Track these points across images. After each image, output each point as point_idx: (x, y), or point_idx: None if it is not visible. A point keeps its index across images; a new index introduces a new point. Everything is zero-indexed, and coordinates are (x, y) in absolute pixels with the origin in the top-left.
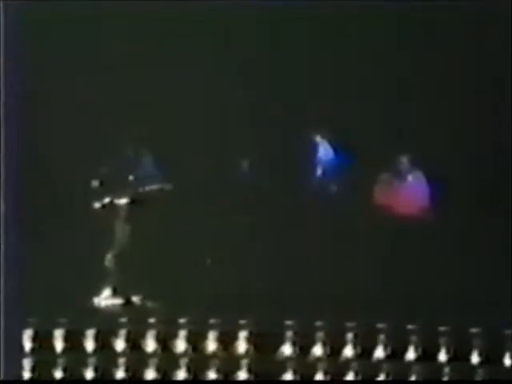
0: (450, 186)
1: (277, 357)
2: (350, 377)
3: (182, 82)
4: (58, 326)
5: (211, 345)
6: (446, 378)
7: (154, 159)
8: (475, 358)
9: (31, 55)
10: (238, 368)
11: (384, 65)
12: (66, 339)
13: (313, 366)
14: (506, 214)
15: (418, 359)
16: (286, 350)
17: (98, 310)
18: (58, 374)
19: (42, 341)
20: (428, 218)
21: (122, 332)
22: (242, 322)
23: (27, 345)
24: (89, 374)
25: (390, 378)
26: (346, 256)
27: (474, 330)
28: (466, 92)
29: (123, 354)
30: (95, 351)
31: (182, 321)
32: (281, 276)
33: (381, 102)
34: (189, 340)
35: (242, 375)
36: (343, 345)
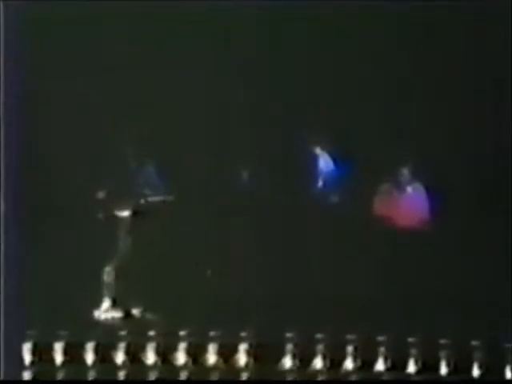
0: (450, 196)
1: (277, 369)
2: None
3: (182, 89)
4: (57, 338)
5: (211, 357)
6: None
7: (155, 170)
8: (476, 371)
9: (31, 55)
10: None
11: (384, 75)
12: (66, 352)
13: (313, 379)
14: (507, 227)
15: (418, 372)
16: (287, 362)
17: (97, 323)
18: None
19: (42, 353)
20: (428, 229)
21: (122, 345)
22: (243, 334)
23: (27, 357)
24: None
25: None
26: (346, 267)
27: (474, 343)
28: (467, 97)
29: (123, 366)
30: (95, 364)
31: (182, 333)
32: (281, 288)
33: (381, 111)
34: (189, 352)
35: None
36: (343, 357)
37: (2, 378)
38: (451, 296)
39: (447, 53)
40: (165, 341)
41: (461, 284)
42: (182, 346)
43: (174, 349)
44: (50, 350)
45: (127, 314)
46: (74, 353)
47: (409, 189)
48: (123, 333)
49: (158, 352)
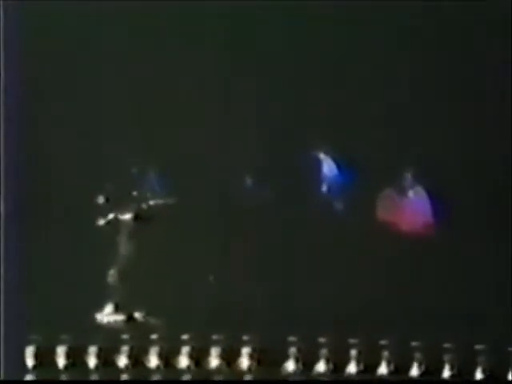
0: (453, 201)
1: (280, 373)
2: None
3: (184, 93)
4: (60, 342)
5: (214, 361)
6: None
7: (157, 174)
8: (479, 375)
9: (31, 55)
10: None
11: (387, 80)
12: (68, 356)
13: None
14: (511, 231)
15: (421, 376)
16: (290, 366)
17: (100, 327)
18: None
19: (44, 358)
20: (431, 233)
21: (125, 348)
22: (245, 338)
23: (29, 362)
24: None
25: None
26: (349, 271)
27: (478, 347)
28: (469, 101)
29: (126, 370)
30: (97, 368)
31: (184, 337)
32: (284, 292)
33: (384, 116)
34: (191, 356)
35: None
36: (347, 361)
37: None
38: (455, 300)
39: (449, 57)
40: (167, 344)
41: (464, 288)
42: (185, 349)
43: (177, 352)
44: (52, 353)
45: (130, 318)
46: (76, 357)
47: (411, 193)
48: (126, 336)
49: (160, 356)
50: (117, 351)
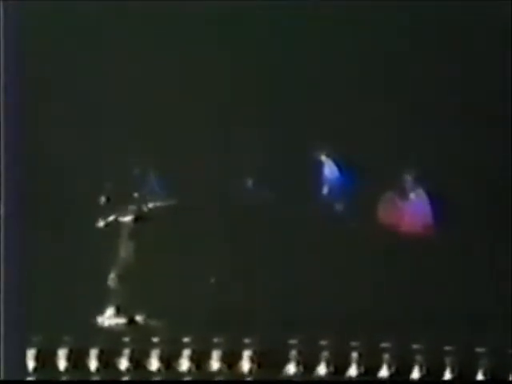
0: (453, 202)
1: (281, 376)
2: None
3: (185, 95)
4: (61, 345)
5: (215, 364)
6: None
7: (158, 176)
8: (480, 378)
9: (31, 55)
10: None
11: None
12: (70, 358)
13: None
14: (510, 232)
15: (422, 378)
16: (290, 369)
17: (101, 329)
18: None
19: (46, 360)
20: (431, 235)
21: (126, 351)
22: (246, 340)
23: (30, 364)
24: None
25: None
26: (350, 274)
27: (479, 350)
28: (469, 103)
29: (127, 373)
30: (98, 370)
31: (185, 340)
32: (285, 295)
33: (385, 118)
34: (192, 359)
35: None
36: (347, 364)
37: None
38: (455, 302)
39: (449, 58)
40: (168, 347)
41: (464, 290)
42: (186, 352)
43: (178, 355)
44: (53, 356)
45: (131, 321)
46: (77, 359)
47: (412, 195)
48: (127, 339)
49: (161, 358)
50: (118, 354)
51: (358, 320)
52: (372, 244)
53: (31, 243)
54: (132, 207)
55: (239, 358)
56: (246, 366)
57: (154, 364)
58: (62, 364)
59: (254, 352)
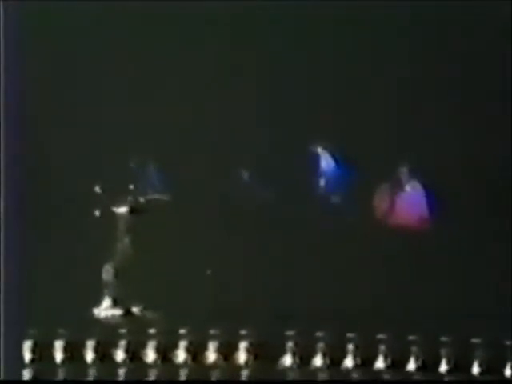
0: (449, 195)
1: (277, 367)
2: None
3: (184, 89)
4: (57, 336)
5: (211, 355)
6: None
7: (154, 169)
8: (476, 369)
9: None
10: (239, 378)
11: (385, 76)
12: (66, 350)
13: (313, 377)
14: (507, 225)
15: (418, 370)
16: (287, 360)
17: (97, 321)
18: None
19: (42, 352)
20: (427, 227)
21: (122, 343)
22: (243, 332)
23: (27, 356)
24: None
25: None
26: (347, 266)
27: (475, 341)
28: (466, 96)
29: (123, 364)
30: (95, 362)
31: (182, 331)
32: (281, 287)
33: (382, 110)
34: (189, 350)
35: None
36: (344, 355)
37: (1, 376)
38: (451, 294)
39: (447, 53)
40: (165, 339)
41: (461, 282)
42: (182, 344)
43: (174, 347)
44: (50, 348)
45: (127, 312)
46: (74, 351)
47: (407, 187)
48: (123, 331)
49: (158, 350)
50: (114, 345)
51: (354, 312)
52: (369, 236)
53: (29, 237)
54: (128, 199)
55: (235, 349)
56: (242, 357)
57: (150, 355)
58: (58, 356)
59: (251, 343)
